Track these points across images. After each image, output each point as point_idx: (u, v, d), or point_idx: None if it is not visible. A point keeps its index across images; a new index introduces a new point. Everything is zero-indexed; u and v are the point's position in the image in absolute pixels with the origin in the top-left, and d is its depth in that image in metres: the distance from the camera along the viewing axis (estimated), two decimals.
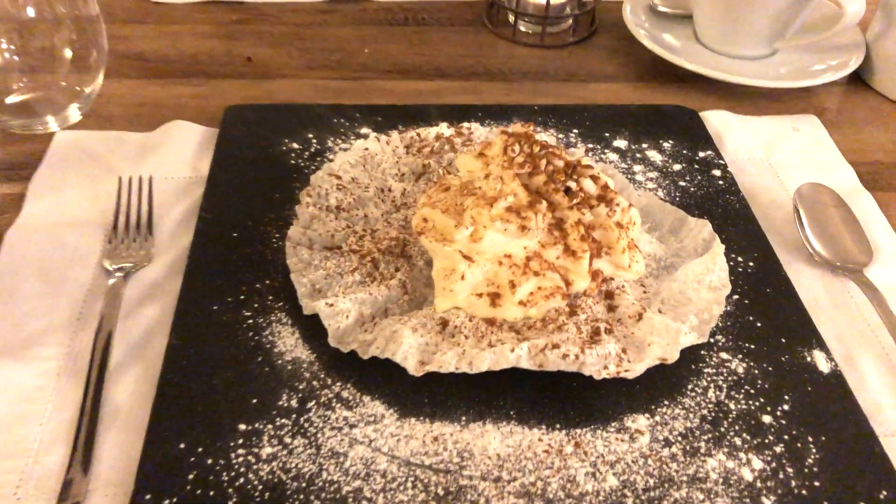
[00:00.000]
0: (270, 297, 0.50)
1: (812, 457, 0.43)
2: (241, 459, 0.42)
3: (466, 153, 0.51)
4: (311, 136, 0.64)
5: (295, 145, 0.63)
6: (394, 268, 0.50)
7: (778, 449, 0.44)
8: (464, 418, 0.44)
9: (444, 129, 0.62)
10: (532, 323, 0.45)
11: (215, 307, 0.49)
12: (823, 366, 0.48)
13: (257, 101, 0.70)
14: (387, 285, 0.48)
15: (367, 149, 0.59)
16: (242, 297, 0.50)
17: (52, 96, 0.65)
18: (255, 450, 0.42)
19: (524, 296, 0.44)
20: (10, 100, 0.64)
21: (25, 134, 0.64)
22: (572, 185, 0.47)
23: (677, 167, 0.63)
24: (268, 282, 0.51)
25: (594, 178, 0.48)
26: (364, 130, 0.65)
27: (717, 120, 0.69)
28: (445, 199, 0.47)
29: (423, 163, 0.57)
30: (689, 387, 0.46)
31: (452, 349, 0.43)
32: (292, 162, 0.61)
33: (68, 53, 0.64)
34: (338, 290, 0.48)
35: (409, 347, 0.43)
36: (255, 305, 0.50)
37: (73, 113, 0.65)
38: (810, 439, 0.44)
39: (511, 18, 0.81)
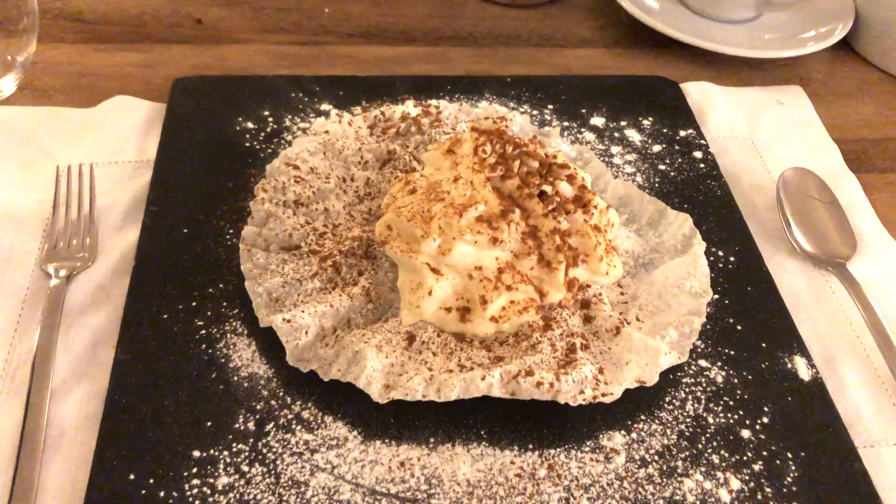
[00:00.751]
0: (224, 304, 0.47)
1: (791, 475, 0.42)
2: (195, 491, 0.39)
3: (434, 149, 0.47)
4: (266, 113, 0.59)
5: (250, 125, 0.58)
6: (356, 272, 0.47)
7: (756, 467, 0.42)
8: (432, 440, 0.42)
9: (410, 107, 0.57)
10: (504, 338, 0.43)
11: (165, 316, 0.46)
12: (804, 373, 0.47)
13: (208, 70, 0.64)
14: (349, 294, 0.44)
15: (327, 131, 0.55)
16: (194, 303, 0.47)
17: None
18: (211, 480, 0.40)
19: (496, 311, 0.42)
20: None
21: None
22: (547, 188, 0.43)
23: (657, 148, 0.60)
24: (221, 286, 0.48)
25: (570, 179, 0.45)
26: (324, 107, 0.60)
27: (698, 92, 0.65)
28: (412, 204, 0.43)
29: (387, 148, 0.54)
30: (667, 399, 0.44)
31: (419, 374, 0.40)
32: (247, 144, 0.57)
33: None
34: (296, 297, 0.45)
35: (372, 371, 0.40)
36: (209, 313, 0.46)
37: (6, 85, 0.60)
38: (789, 455, 0.43)
39: None
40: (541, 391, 0.39)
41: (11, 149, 0.56)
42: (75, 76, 0.62)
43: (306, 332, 0.43)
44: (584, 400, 0.40)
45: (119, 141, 0.57)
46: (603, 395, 0.40)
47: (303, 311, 0.43)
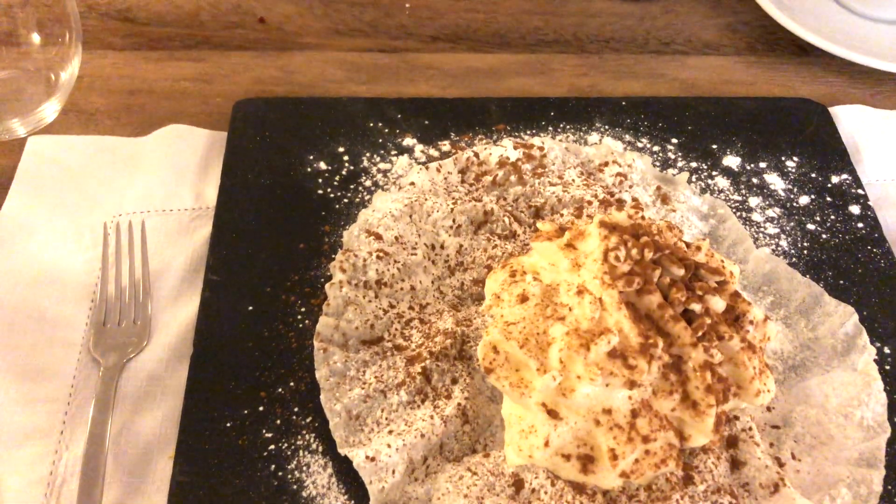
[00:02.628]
0: (296, 410, 0.40)
1: None
2: None
3: (547, 236, 0.38)
4: (341, 150, 0.51)
5: (322, 165, 0.50)
6: (449, 379, 0.39)
7: None
8: None
9: (509, 149, 0.48)
10: (634, 491, 0.35)
11: (228, 424, 0.40)
12: None
13: (273, 83, 0.56)
14: (442, 417, 0.37)
15: (412, 184, 0.47)
16: (261, 408, 0.40)
17: (20, 89, 0.52)
18: None
19: (628, 466, 0.34)
20: None
21: None
22: (695, 306, 0.35)
23: (804, 200, 0.50)
24: (292, 384, 0.41)
25: (721, 286, 0.36)
26: (407, 141, 0.51)
27: (852, 119, 0.54)
28: (523, 322, 0.35)
29: (483, 209, 0.45)
30: None
31: None
32: (319, 191, 0.49)
33: (35, 36, 0.50)
34: (380, 415, 0.38)
35: None
36: (278, 422, 0.40)
37: (48, 110, 0.52)
38: None
39: None
40: None
41: (56, 190, 0.49)
42: (125, 94, 0.55)
43: (393, 472, 0.36)
44: None
45: (174, 183, 0.50)
46: None
47: (388, 445, 0.36)
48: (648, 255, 0.35)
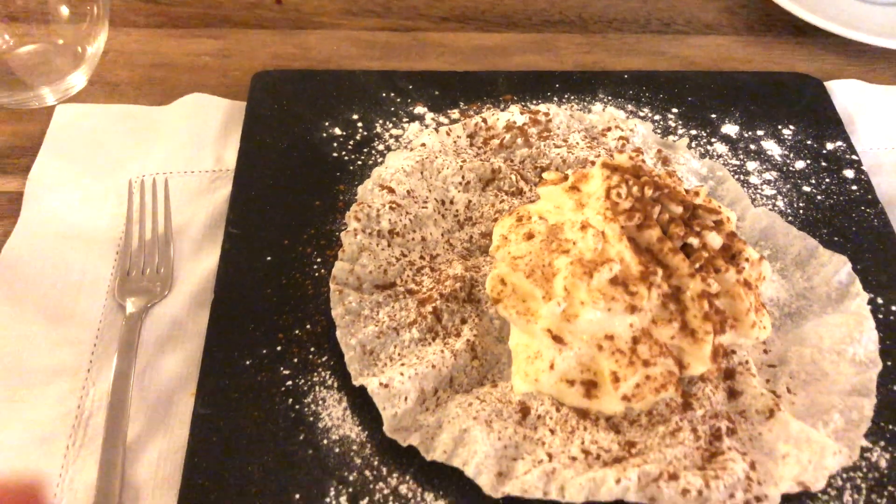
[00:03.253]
0: (312, 349, 0.42)
1: None
2: None
3: (552, 181, 0.40)
4: (355, 117, 0.53)
5: (337, 131, 0.52)
6: (459, 319, 0.41)
7: None
8: None
9: (516, 114, 0.51)
10: (635, 416, 0.37)
11: (247, 362, 0.41)
12: None
13: (290, 59, 0.59)
14: (452, 351, 0.39)
15: (423, 144, 0.49)
16: (279, 347, 0.42)
17: (49, 60, 0.54)
18: None
19: (629, 390, 0.35)
20: None
21: (17, 109, 0.54)
22: (693, 241, 0.36)
23: (800, 165, 0.51)
24: (308, 326, 0.43)
25: (718, 225, 0.38)
26: (418, 109, 0.54)
27: (847, 92, 0.56)
28: (529, 255, 0.37)
29: (491, 167, 0.47)
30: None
31: (537, 462, 0.34)
32: (334, 154, 0.51)
33: (65, 11, 0.53)
34: (392, 350, 0.40)
35: (483, 458, 0.35)
36: (295, 360, 0.42)
37: (77, 80, 0.55)
38: None
39: None
40: (686, 500, 0.33)
41: (83, 154, 0.51)
42: (148, 68, 0.57)
43: (405, 399, 0.37)
44: None
45: (195, 147, 0.52)
46: (757, 499, 0.34)
47: (401, 374, 0.38)
48: (649, 192, 0.37)
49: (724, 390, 0.38)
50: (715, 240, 0.37)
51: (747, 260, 0.38)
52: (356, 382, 0.39)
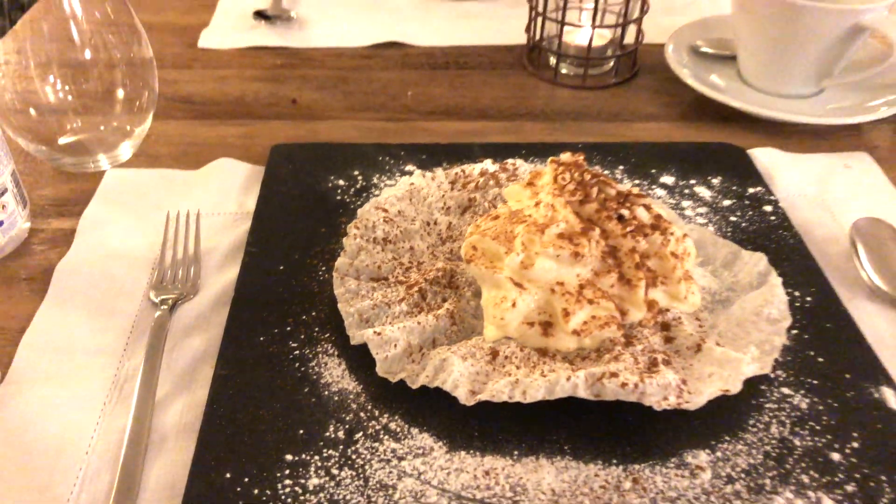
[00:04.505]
0: (317, 329, 0.50)
1: (887, 496, 0.41)
2: (287, 490, 0.41)
3: (515, 183, 0.50)
4: (356, 173, 0.64)
5: (341, 182, 0.63)
6: (441, 298, 0.49)
7: (849, 488, 0.41)
8: (516, 452, 0.43)
9: (488, 164, 0.61)
10: (586, 354, 0.44)
11: (262, 338, 0.49)
12: (893, 402, 0.46)
13: (303, 140, 0.70)
14: (434, 315, 0.47)
15: (412, 184, 0.59)
16: (289, 328, 0.50)
17: (104, 136, 0.66)
18: (302, 481, 0.41)
19: (578, 325, 0.43)
20: (64, 140, 0.65)
21: (77, 172, 0.65)
22: (625, 212, 0.46)
23: (727, 202, 0.62)
24: (314, 313, 0.51)
25: (647, 207, 0.47)
26: (409, 168, 0.65)
27: (765, 157, 0.68)
28: (495, 227, 0.46)
29: (468, 196, 0.57)
30: (751, 422, 0.44)
31: (504, 378, 0.41)
32: (338, 198, 0.61)
33: (121, 94, 0.65)
34: (385, 319, 0.48)
35: (459, 376, 0.42)
36: (302, 337, 0.49)
37: (124, 151, 0.66)
38: (883, 479, 0.42)
39: (552, 61, 0.82)
40: (626, 391, 0.40)
41: (126, 202, 0.62)
42: (184, 145, 0.69)
43: (395, 345, 0.45)
44: (668, 405, 0.41)
45: (221, 196, 0.62)
46: (687, 402, 0.41)
47: (392, 326, 0.45)
48: (588, 177, 0.47)
49: (661, 337, 0.45)
50: (643, 214, 0.46)
51: (672, 234, 0.47)
52: (354, 341, 0.47)
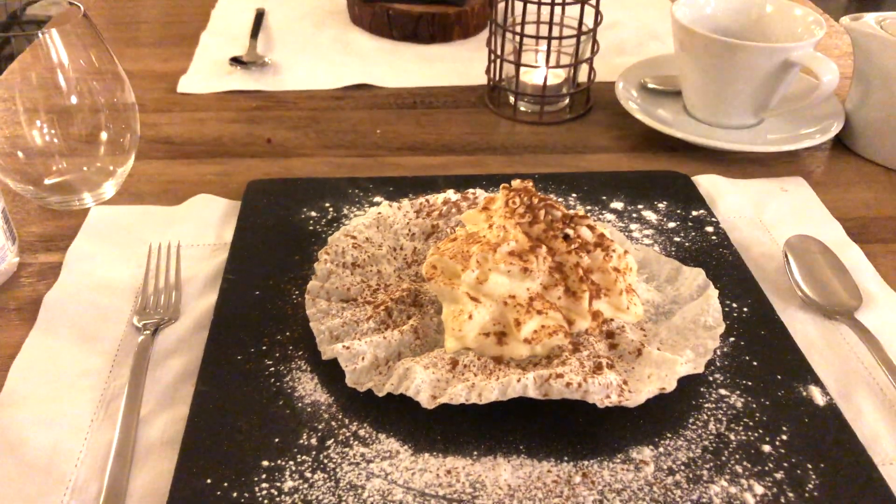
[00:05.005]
0: (290, 347, 0.53)
1: (812, 482, 0.45)
2: (264, 492, 0.44)
3: (471, 209, 0.55)
4: (328, 205, 0.68)
5: (313, 213, 0.67)
6: (406, 316, 0.53)
7: (778, 475, 0.45)
8: (475, 452, 0.46)
9: (451, 194, 0.66)
10: (538, 360, 0.48)
11: (239, 357, 0.52)
12: (820, 399, 0.50)
13: (277, 175, 0.75)
14: (400, 331, 0.51)
15: (380, 213, 0.64)
16: (264, 347, 0.53)
17: (88, 176, 0.70)
18: (278, 484, 0.44)
19: (529, 333, 0.47)
20: (50, 180, 0.69)
21: (63, 210, 0.69)
22: (570, 232, 0.50)
23: (672, 225, 0.67)
24: (288, 333, 0.54)
25: (591, 228, 0.52)
26: (377, 199, 0.69)
27: (708, 183, 0.73)
28: (453, 248, 0.50)
29: (432, 223, 0.61)
30: (691, 420, 0.48)
31: (462, 383, 0.45)
32: (311, 228, 0.65)
33: (104, 137, 0.69)
34: (354, 336, 0.51)
35: (421, 382, 0.46)
36: (277, 355, 0.53)
37: (108, 190, 0.70)
38: (809, 466, 0.46)
39: (511, 99, 0.88)
40: (570, 390, 0.44)
41: (110, 236, 0.65)
42: (164, 183, 0.73)
43: (363, 358, 0.49)
44: (610, 403, 0.45)
45: (200, 228, 0.66)
46: (627, 399, 0.45)
47: (360, 340, 0.49)
48: (536, 201, 0.51)
49: (606, 344, 0.50)
50: (587, 233, 0.51)
51: (614, 251, 0.51)
52: (325, 357, 0.50)
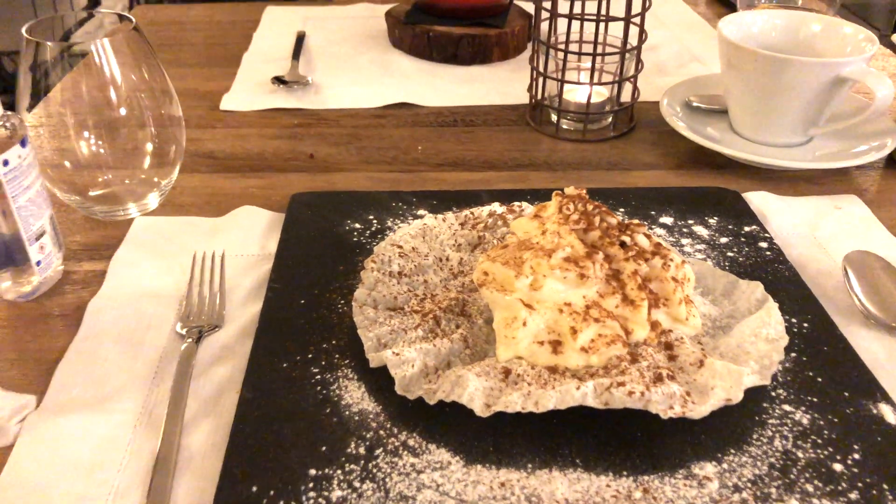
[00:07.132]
0: (337, 356, 0.52)
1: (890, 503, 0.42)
2: (311, 502, 0.42)
3: (521, 216, 0.54)
4: (371, 217, 0.67)
5: (357, 225, 0.66)
6: (454, 325, 0.52)
7: (853, 496, 0.43)
8: (529, 465, 0.44)
9: (496, 206, 0.65)
10: (594, 371, 0.46)
11: (284, 364, 0.51)
12: (891, 418, 0.48)
13: (320, 189, 0.74)
14: (449, 339, 0.49)
15: (425, 224, 0.63)
16: (310, 355, 0.52)
17: (133, 187, 0.70)
18: (326, 493, 0.43)
19: (585, 342, 0.46)
20: (95, 192, 0.69)
21: (108, 220, 0.69)
22: (626, 239, 0.49)
23: (724, 240, 0.65)
24: (334, 342, 0.53)
25: (647, 236, 0.50)
26: (421, 212, 0.68)
27: (759, 200, 0.71)
28: (504, 254, 0.49)
29: (478, 235, 0.60)
30: (755, 436, 0.46)
31: (517, 392, 0.44)
32: (355, 239, 0.65)
33: (150, 148, 0.70)
34: (402, 344, 0.50)
35: (474, 390, 0.44)
36: (323, 363, 0.52)
37: (152, 201, 0.70)
38: (886, 487, 0.43)
39: (554, 117, 0.87)
40: (633, 399, 0.42)
41: (154, 246, 0.65)
42: (207, 196, 0.73)
43: (412, 365, 0.47)
44: (673, 413, 0.43)
45: (244, 239, 0.66)
46: (691, 410, 0.43)
47: (410, 347, 0.48)
48: (590, 208, 0.50)
49: (665, 355, 0.48)
50: (643, 241, 0.49)
51: (672, 260, 0.50)
52: (373, 364, 0.49)
